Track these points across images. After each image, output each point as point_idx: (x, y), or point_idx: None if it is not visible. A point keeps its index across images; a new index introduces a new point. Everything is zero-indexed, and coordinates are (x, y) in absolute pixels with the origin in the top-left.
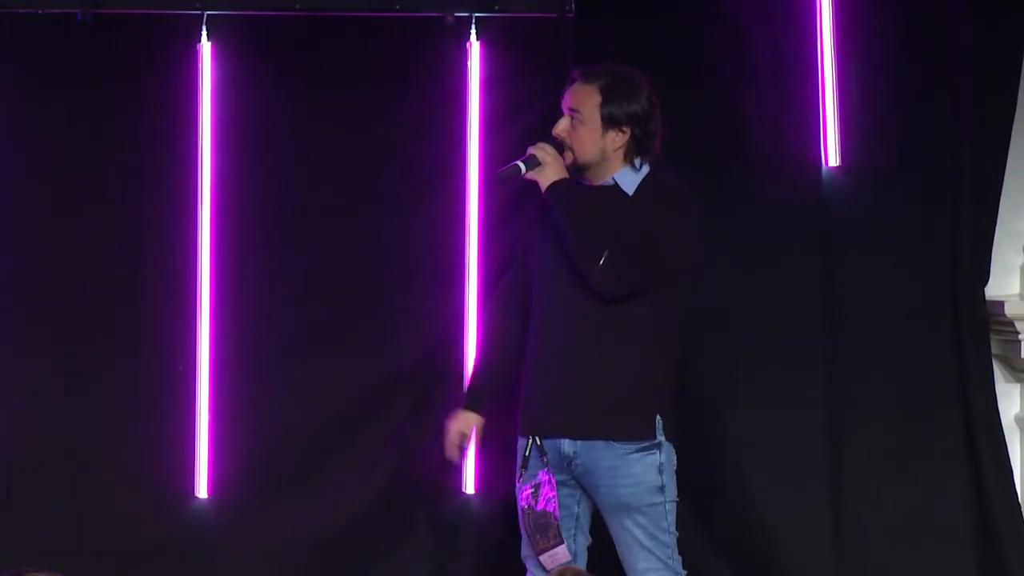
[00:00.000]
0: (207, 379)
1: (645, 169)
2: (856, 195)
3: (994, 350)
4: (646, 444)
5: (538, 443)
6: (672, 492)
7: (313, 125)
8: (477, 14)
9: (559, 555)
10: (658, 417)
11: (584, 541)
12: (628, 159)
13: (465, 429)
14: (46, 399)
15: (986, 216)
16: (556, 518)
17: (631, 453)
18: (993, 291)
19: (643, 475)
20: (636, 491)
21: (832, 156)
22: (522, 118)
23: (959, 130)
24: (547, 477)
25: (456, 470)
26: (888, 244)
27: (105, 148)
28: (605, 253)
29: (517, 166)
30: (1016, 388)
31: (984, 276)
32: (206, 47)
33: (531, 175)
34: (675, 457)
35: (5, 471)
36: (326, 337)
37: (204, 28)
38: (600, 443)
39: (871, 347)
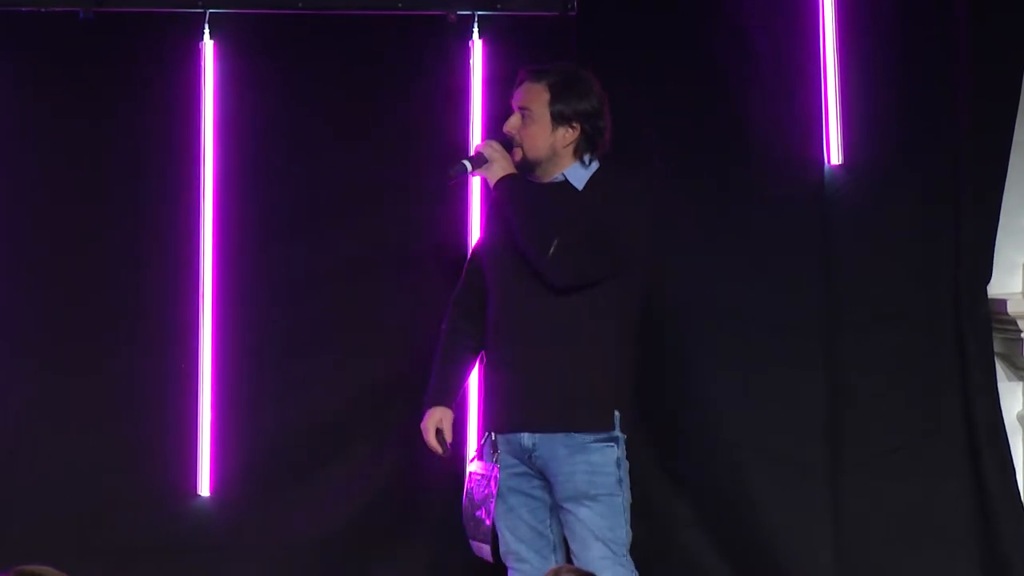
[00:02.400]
0: (209, 377)
1: (595, 165)
2: (858, 193)
3: (996, 348)
4: (604, 436)
5: (492, 438)
6: (628, 489)
7: (315, 123)
8: (480, 12)
9: (484, 551)
10: (616, 412)
11: (559, 530)
12: (578, 155)
13: (440, 424)
14: (46, 396)
15: (988, 214)
16: (487, 524)
17: (590, 443)
18: (995, 289)
19: (602, 464)
20: (594, 479)
21: (834, 154)
22: None
23: (961, 128)
24: (494, 471)
25: (456, 470)
26: (890, 242)
27: (107, 146)
28: (555, 242)
29: (463, 164)
30: (1018, 386)
31: (986, 274)
32: (208, 45)
33: (479, 172)
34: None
35: (5, 468)
36: (328, 335)
37: (206, 26)
38: (560, 435)
39: (872, 345)
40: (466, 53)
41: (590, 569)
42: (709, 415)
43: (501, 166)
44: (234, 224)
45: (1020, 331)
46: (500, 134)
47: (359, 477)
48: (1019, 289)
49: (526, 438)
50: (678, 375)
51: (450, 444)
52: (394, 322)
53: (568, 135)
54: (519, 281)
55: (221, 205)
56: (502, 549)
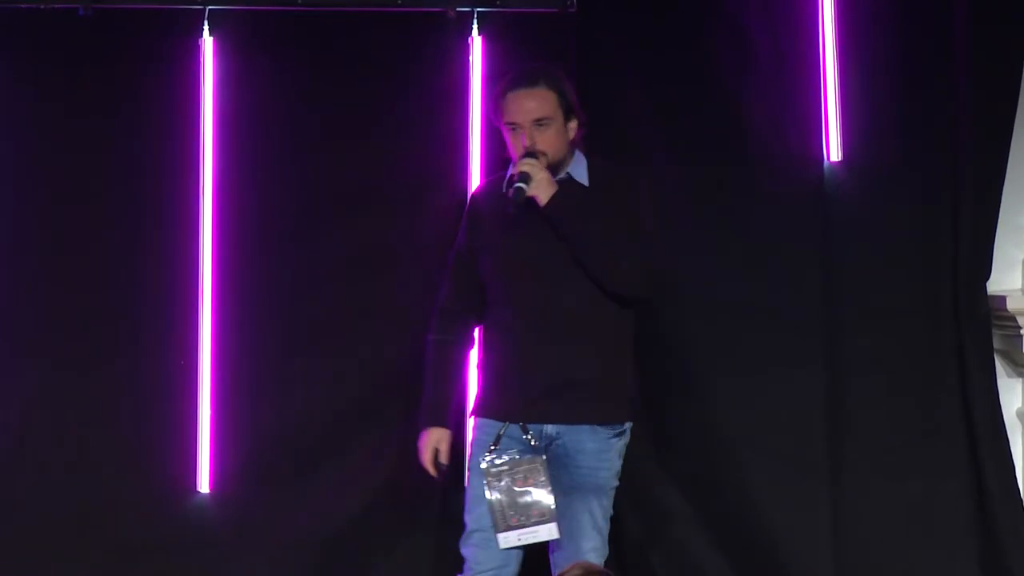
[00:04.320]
0: (209, 374)
1: (583, 157)
2: (857, 190)
3: (996, 345)
4: (619, 429)
5: (522, 426)
6: None
7: (314, 120)
8: (479, 9)
9: (540, 533)
10: (631, 402)
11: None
12: (575, 148)
13: (439, 444)
14: (46, 394)
15: (987, 211)
16: (550, 505)
17: (611, 438)
18: (995, 286)
19: (615, 460)
20: (609, 475)
21: (834, 151)
22: None
23: (961, 124)
24: (541, 456)
25: (456, 466)
26: (889, 239)
27: (107, 143)
28: (625, 258)
29: (522, 188)
30: (1018, 383)
31: (985, 271)
32: (208, 42)
33: (531, 192)
34: None
35: (5, 467)
36: (327, 333)
37: (206, 23)
38: (586, 427)
39: (871, 343)
40: (465, 50)
41: (580, 556)
42: (708, 413)
43: (548, 182)
44: (234, 222)
45: (1019, 327)
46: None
47: (359, 474)
48: (1019, 286)
49: (550, 427)
50: (678, 372)
51: (446, 467)
52: (394, 320)
53: (574, 127)
54: (546, 279)
55: (221, 202)
56: (471, 527)
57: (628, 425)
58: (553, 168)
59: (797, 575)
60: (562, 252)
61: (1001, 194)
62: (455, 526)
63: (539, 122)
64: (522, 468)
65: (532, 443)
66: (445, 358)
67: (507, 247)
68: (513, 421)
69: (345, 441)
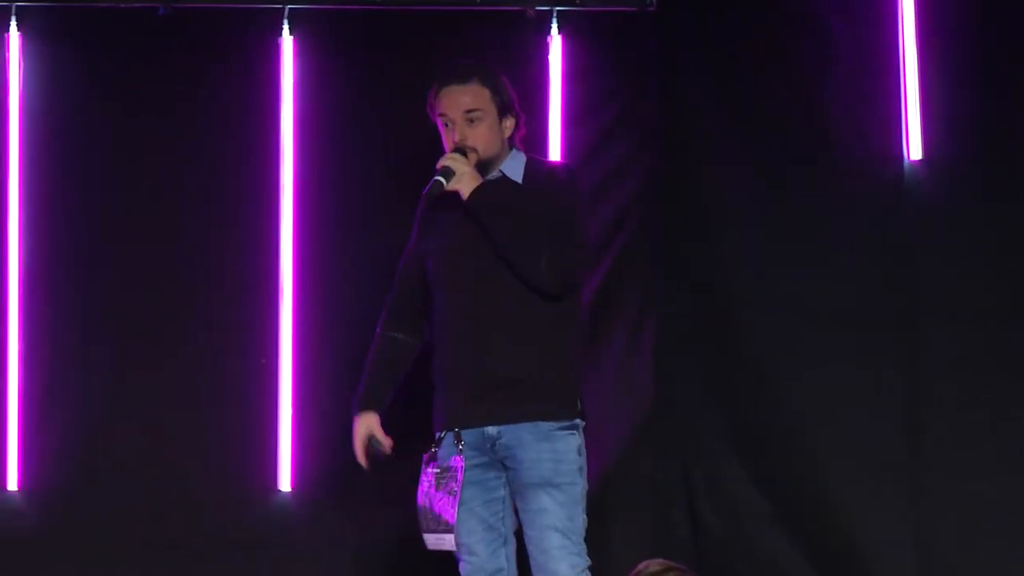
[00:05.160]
0: (290, 372)
1: (522, 156)
2: (938, 188)
3: None
4: (567, 424)
5: (456, 432)
6: (586, 477)
7: (394, 119)
8: (558, 8)
9: (445, 542)
10: (578, 400)
11: (512, 524)
12: (510, 146)
13: (371, 430)
14: (127, 394)
15: None
16: (451, 520)
17: (555, 430)
18: None
19: (565, 452)
20: (558, 467)
21: (914, 150)
22: (603, 111)
23: None
24: (460, 463)
25: None
26: (970, 238)
27: (186, 143)
28: (546, 254)
29: (440, 181)
30: None
31: None
32: (287, 41)
33: (451, 186)
34: None
35: (90, 464)
36: None
37: (286, 22)
38: (527, 424)
39: (953, 342)
40: (544, 49)
41: (547, 558)
42: (789, 413)
43: (471, 176)
44: (314, 219)
45: None
46: (574, 128)
47: None
48: None
49: (490, 428)
50: (758, 372)
51: (384, 449)
52: None
53: (509, 125)
54: (475, 281)
55: (300, 200)
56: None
57: (578, 422)
58: (485, 164)
59: (878, 574)
60: (493, 254)
61: None
62: None
63: (469, 116)
64: (444, 476)
65: (460, 448)
66: (383, 348)
67: (441, 251)
68: (449, 428)
69: (423, 442)
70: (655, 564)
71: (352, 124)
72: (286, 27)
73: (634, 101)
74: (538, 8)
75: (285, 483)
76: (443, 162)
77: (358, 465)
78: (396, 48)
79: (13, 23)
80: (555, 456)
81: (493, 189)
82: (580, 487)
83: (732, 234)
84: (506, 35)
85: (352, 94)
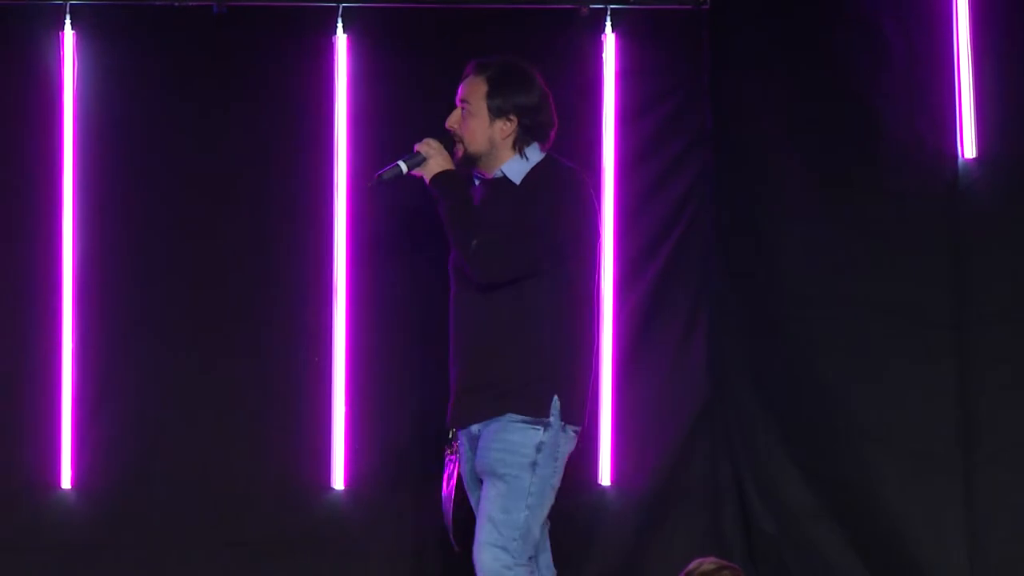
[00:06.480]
0: (343, 371)
1: (536, 159)
2: (992, 186)
3: None
4: (531, 419)
5: (451, 433)
6: (545, 476)
7: (447, 116)
8: (612, 6)
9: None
10: (555, 398)
11: None
12: (516, 149)
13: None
14: (180, 393)
15: None
16: (447, 520)
17: (516, 423)
18: None
19: (518, 444)
20: (504, 457)
21: (968, 148)
22: (657, 110)
23: None
24: (454, 461)
25: (592, 462)
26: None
27: (240, 141)
28: (474, 240)
29: (398, 165)
30: None
31: None
32: (342, 39)
33: (417, 171)
34: (569, 445)
35: (143, 463)
36: None
37: (340, 20)
38: (500, 419)
39: (1004, 339)
40: (598, 47)
41: (476, 547)
42: (838, 410)
43: (437, 163)
44: (367, 220)
45: None
46: (628, 126)
47: None
48: None
49: (475, 427)
50: (807, 368)
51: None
52: None
53: (506, 128)
54: (459, 278)
55: (354, 200)
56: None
57: (552, 421)
58: (473, 159)
59: (928, 569)
60: None
61: None
62: (588, 523)
63: (462, 106)
64: (445, 475)
65: (455, 447)
66: None
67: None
68: (449, 427)
69: None
70: (708, 563)
71: (405, 122)
72: (340, 25)
73: (688, 99)
74: (592, 6)
75: (339, 481)
76: (418, 146)
77: (410, 463)
78: (449, 46)
79: (68, 21)
80: (504, 447)
81: (451, 179)
82: (527, 482)
83: (785, 230)
84: (560, 33)
85: (405, 92)
